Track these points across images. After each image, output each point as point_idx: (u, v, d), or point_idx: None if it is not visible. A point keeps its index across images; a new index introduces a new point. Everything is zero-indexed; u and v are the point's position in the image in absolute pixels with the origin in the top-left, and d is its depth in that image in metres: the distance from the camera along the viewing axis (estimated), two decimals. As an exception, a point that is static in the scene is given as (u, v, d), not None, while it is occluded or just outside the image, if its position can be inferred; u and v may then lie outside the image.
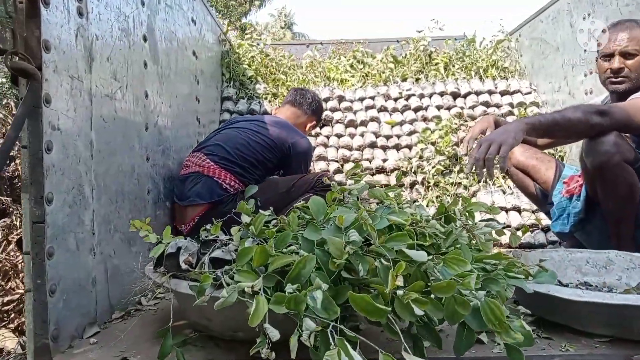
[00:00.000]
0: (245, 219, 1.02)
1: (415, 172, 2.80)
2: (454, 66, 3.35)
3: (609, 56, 1.80)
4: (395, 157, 2.87)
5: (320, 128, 3.04)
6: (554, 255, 1.63)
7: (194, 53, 2.47)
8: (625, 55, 1.76)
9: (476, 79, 3.23)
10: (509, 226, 2.50)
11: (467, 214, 1.06)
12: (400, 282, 0.76)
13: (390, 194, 1.08)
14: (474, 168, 1.44)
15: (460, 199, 1.12)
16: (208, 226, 1.16)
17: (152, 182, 1.78)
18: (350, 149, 2.92)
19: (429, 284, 0.81)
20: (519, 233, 1.45)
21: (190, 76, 2.39)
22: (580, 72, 2.61)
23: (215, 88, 2.92)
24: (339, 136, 2.99)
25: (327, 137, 2.99)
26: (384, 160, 2.86)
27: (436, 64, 3.36)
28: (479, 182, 2.68)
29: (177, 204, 1.95)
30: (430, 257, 0.84)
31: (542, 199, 2.10)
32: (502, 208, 2.61)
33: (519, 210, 2.63)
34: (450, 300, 0.78)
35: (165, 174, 1.93)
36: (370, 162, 2.86)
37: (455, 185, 2.75)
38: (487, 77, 3.27)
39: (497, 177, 2.74)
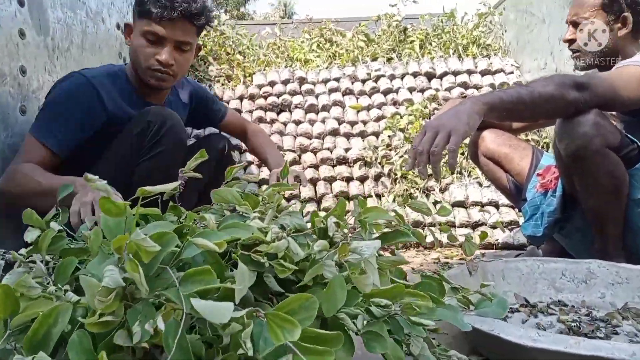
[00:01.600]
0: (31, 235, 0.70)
1: (381, 163, 2.47)
2: (430, 44, 3.00)
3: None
4: (359, 146, 2.54)
5: (278, 114, 2.71)
6: (521, 266, 1.31)
7: (119, 26, 2.14)
8: (575, 24, 1.49)
9: (454, 57, 2.89)
10: (474, 225, 2.19)
11: (362, 225, 0.73)
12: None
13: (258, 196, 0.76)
14: (415, 164, 1.11)
15: (355, 202, 0.79)
16: None
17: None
18: (309, 137, 2.59)
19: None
20: (476, 239, 1.14)
21: (111, 53, 2.06)
22: (568, 46, 2.26)
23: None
24: (297, 123, 2.66)
25: (284, 123, 2.67)
26: (347, 150, 2.53)
27: (411, 41, 3.01)
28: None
29: None
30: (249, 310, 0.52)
31: (515, 194, 1.77)
32: (477, 203, 2.28)
33: (496, 205, 2.31)
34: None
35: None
36: (331, 151, 2.53)
37: (426, 178, 2.42)
38: (468, 55, 2.92)
39: (465, 170, 2.41)
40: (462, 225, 2.22)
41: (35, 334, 0.51)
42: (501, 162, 1.77)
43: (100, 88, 1.31)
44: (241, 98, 2.77)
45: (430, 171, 1.16)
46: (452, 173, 2.42)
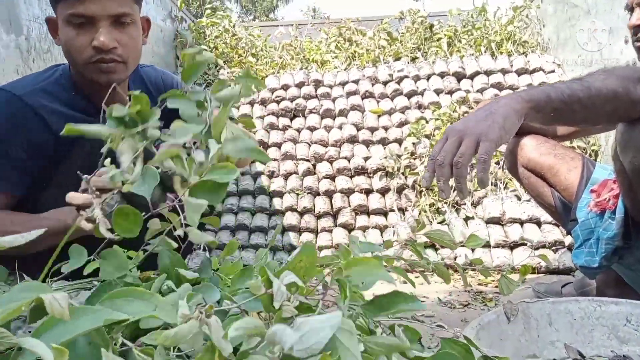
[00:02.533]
0: None
1: (404, 174, 2.22)
2: (460, 41, 2.73)
3: (630, 10, 1.25)
4: (380, 155, 2.29)
5: (291, 120, 2.50)
6: (573, 308, 1.04)
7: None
8: None
9: (487, 55, 2.61)
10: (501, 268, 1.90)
11: (340, 288, 0.49)
12: None
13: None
14: (439, 181, 0.86)
15: (342, 245, 0.56)
16: None
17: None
18: (325, 144, 2.37)
19: None
20: (517, 276, 0.90)
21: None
22: (620, 38, 1.97)
23: (162, 74, 2.42)
24: (312, 129, 2.44)
25: (298, 130, 2.45)
26: (366, 159, 2.29)
27: (438, 39, 2.75)
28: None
29: None
30: None
31: (563, 213, 1.49)
32: (515, 220, 1.99)
33: (538, 222, 2.02)
34: None
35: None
36: (349, 160, 2.30)
37: (454, 189, 2.15)
38: (501, 53, 2.63)
39: (501, 181, 2.13)
40: (497, 246, 1.95)
41: None
42: (545, 175, 1.49)
43: (38, 106, 1.04)
44: (252, 103, 2.57)
45: (454, 187, 0.91)
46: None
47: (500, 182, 2.17)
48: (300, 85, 2.58)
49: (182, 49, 2.63)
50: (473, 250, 1.98)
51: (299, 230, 2.14)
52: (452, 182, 0.89)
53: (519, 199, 2.10)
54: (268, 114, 2.49)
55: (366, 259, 0.50)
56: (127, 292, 0.39)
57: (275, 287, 0.41)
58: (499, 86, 2.46)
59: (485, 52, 2.64)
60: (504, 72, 2.51)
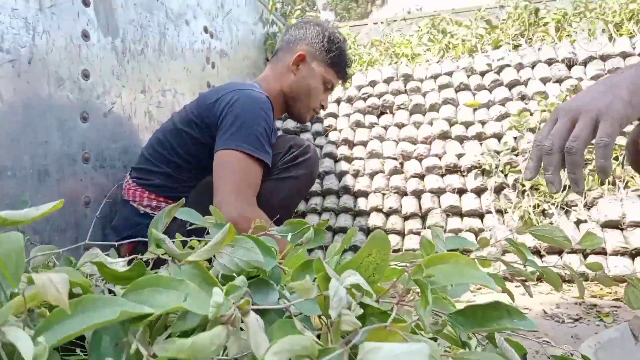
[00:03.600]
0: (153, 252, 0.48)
1: (503, 172, 2.01)
2: (570, 25, 2.43)
3: None
4: (475, 152, 2.10)
5: (378, 117, 2.39)
6: None
7: (207, 30, 2.03)
8: None
9: (604, 37, 2.28)
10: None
11: (421, 292, 0.40)
12: None
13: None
14: (547, 171, 0.71)
15: (424, 237, 0.45)
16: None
17: (96, 189, 1.37)
18: (413, 142, 2.23)
19: None
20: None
21: (197, 57, 1.95)
22: None
23: (251, 76, 2.46)
24: (400, 126, 2.31)
25: (385, 127, 2.34)
26: (459, 156, 2.11)
27: (545, 23, 2.47)
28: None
29: None
30: None
31: None
32: (636, 224, 1.70)
33: (670, 227, 1.70)
34: None
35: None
36: (440, 158, 2.14)
37: (565, 189, 1.90)
38: (621, 35, 2.29)
39: (621, 179, 1.83)
40: (615, 253, 1.67)
41: None
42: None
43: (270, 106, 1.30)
44: (338, 101, 2.51)
45: (566, 179, 0.76)
46: (603, 183, 1.86)
47: (619, 180, 1.87)
48: (388, 81, 2.47)
49: (271, 51, 2.66)
50: (585, 256, 1.72)
51: (385, 232, 2.02)
52: (563, 173, 0.74)
53: (644, 200, 1.79)
54: (354, 112, 2.41)
55: (455, 255, 0.39)
56: (155, 281, 0.33)
57: (331, 290, 0.32)
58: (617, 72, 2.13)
59: (601, 34, 2.31)
60: (625, 55, 2.18)
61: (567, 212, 1.88)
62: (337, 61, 1.50)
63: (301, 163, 1.29)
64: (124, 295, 0.33)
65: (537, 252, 1.79)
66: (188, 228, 0.64)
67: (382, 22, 3.08)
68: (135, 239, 0.61)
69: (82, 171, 1.31)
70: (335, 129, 2.39)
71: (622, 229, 1.73)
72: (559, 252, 1.77)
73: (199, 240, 0.60)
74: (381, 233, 0.40)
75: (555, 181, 0.70)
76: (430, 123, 2.26)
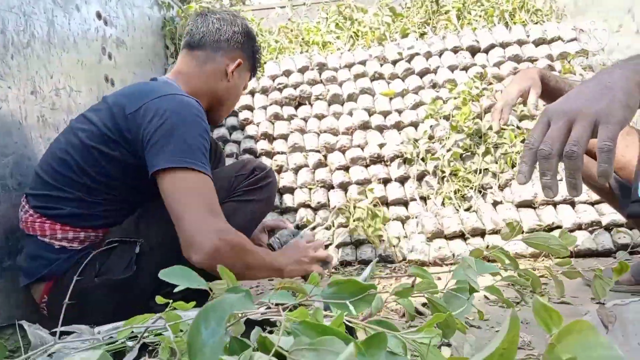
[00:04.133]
0: None
1: (424, 159, 2.06)
2: (469, 13, 2.55)
3: None
4: (396, 140, 2.12)
5: (296, 108, 2.31)
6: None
7: (100, 15, 1.76)
8: None
9: (500, 26, 2.43)
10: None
11: None
12: None
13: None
14: (545, 176, 0.68)
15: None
16: None
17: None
18: (335, 133, 2.19)
19: None
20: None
21: (92, 48, 1.68)
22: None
23: (151, 65, 2.21)
24: (319, 117, 2.25)
25: (305, 119, 2.26)
26: (381, 146, 2.12)
27: (446, 11, 2.56)
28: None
29: None
30: None
31: (619, 195, 1.34)
32: (547, 202, 1.85)
33: (572, 203, 1.88)
34: None
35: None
36: (362, 149, 2.13)
37: (480, 173, 2.00)
38: (515, 23, 2.46)
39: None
40: (531, 231, 1.80)
41: None
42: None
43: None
44: (252, 93, 2.37)
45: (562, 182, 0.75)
46: (514, 165, 1.99)
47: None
48: (303, 70, 2.38)
49: (171, 38, 2.42)
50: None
51: (314, 228, 1.97)
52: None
53: (550, 179, 1.95)
54: (271, 104, 2.30)
55: (580, 323, 0.33)
56: None
57: None
58: (516, 59, 2.29)
59: (498, 23, 2.46)
60: (521, 43, 2.34)
61: (484, 195, 1.99)
62: (257, 64, 1.43)
63: (263, 187, 1.23)
64: None
65: (462, 236, 1.86)
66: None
67: (284, 7, 2.97)
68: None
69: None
70: (252, 123, 2.26)
71: (534, 208, 1.87)
72: (482, 234, 1.86)
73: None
74: (516, 317, 0.32)
75: (553, 186, 0.68)
76: (350, 113, 2.23)
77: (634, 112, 0.67)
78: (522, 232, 1.82)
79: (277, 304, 0.43)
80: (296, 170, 2.10)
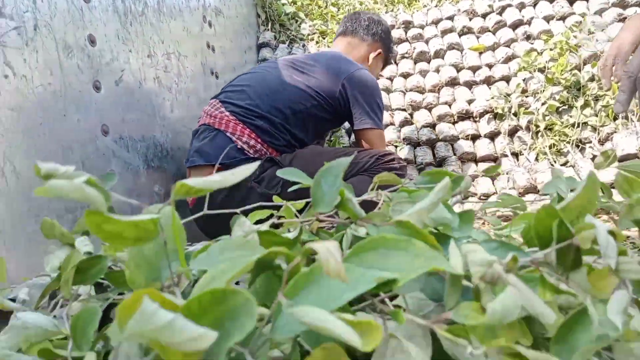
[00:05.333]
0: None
1: (516, 114, 2.00)
2: (568, -42, 2.37)
3: None
4: (486, 96, 2.07)
5: (382, 69, 2.33)
6: None
7: (199, -14, 1.90)
8: None
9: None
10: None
11: None
12: None
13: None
14: (635, 98, 0.69)
15: (617, 180, 0.43)
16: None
17: (119, 161, 1.29)
18: (421, 91, 2.18)
19: None
20: None
21: (194, 16, 1.83)
22: None
23: (245, 34, 2.34)
24: (405, 76, 2.26)
25: (390, 79, 2.28)
26: (470, 102, 2.08)
27: (542, -41, 2.40)
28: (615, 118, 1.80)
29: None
30: None
31: None
32: (657, 155, 1.73)
33: (685, 156, 1.73)
34: None
35: (149, 147, 1.43)
36: (450, 106, 2.11)
37: (578, 127, 1.90)
38: (622, -36, 2.25)
39: (634, 113, 1.84)
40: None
41: None
42: None
43: None
44: (339, 54, 2.43)
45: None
46: (616, 118, 1.87)
47: (632, 114, 1.88)
48: (388, 29, 2.38)
49: (262, 7, 2.53)
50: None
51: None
52: None
53: (659, 131, 1.81)
54: (357, 64, 2.34)
55: None
56: (379, 243, 0.28)
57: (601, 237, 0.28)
58: (622, 4, 2.11)
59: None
60: (627, -14, 2.15)
61: (582, 150, 1.90)
62: (390, 59, 1.84)
63: (388, 170, 1.38)
64: (348, 260, 0.29)
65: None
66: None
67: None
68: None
69: (103, 145, 1.23)
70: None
71: (639, 161, 1.75)
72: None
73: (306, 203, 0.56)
74: (594, 175, 0.36)
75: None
76: (437, 70, 2.21)
77: None
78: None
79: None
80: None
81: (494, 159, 1.99)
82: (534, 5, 2.25)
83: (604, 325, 0.23)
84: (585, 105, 1.90)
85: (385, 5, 2.57)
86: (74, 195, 0.24)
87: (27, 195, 0.96)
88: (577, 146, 1.89)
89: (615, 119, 1.88)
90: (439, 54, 2.25)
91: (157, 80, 1.50)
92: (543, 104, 1.93)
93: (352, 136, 2.12)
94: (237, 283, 0.41)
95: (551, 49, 2.03)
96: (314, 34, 2.54)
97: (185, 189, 0.29)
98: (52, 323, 0.33)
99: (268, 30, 2.54)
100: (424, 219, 0.32)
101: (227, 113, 1.41)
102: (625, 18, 2.06)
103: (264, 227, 0.41)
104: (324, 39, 2.51)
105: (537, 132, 1.94)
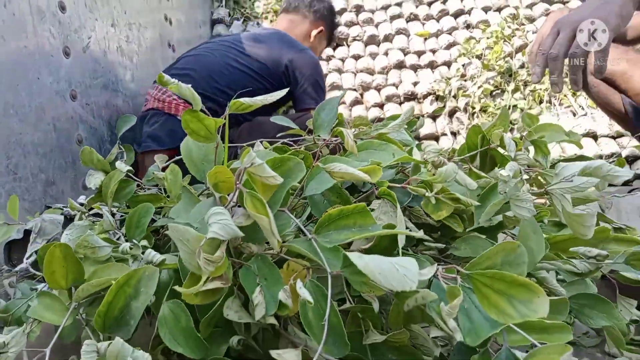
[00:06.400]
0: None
1: (455, 96, 2.19)
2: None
3: None
4: (429, 79, 2.26)
5: (334, 49, 2.46)
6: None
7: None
8: None
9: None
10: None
11: (535, 147, 0.54)
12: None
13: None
14: (553, 75, 0.86)
15: (523, 116, 0.60)
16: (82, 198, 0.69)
17: (86, 126, 1.34)
18: (371, 72, 2.34)
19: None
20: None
21: (153, -11, 1.86)
22: None
23: (199, 8, 2.38)
24: (356, 57, 2.40)
25: (342, 60, 2.41)
26: (415, 84, 2.26)
27: (482, -46, 2.61)
28: (552, 95, 2.04)
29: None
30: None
31: (635, 118, 1.47)
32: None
33: (594, 136, 2.00)
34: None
35: (112, 115, 1.47)
36: (397, 87, 2.27)
37: (509, 109, 2.13)
38: (551, -36, 2.50)
39: (556, 97, 2.09)
40: (554, 163, 1.95)
41: (110, 308, 0.35)
42: (616, 82, 1.45)
43: None
44: (294, 34, 2.52)
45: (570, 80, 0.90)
46: (542, 102, 2.11)
47: (555, 99, 2.13)
48: (340, 12, 2.51)
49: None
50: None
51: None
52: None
53: (574, 114, 2.07)
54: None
55: (551, 125, 0.52)
56: (367, 145, 0.42)
57: (506, 140, 0.43)
58: (549, 0, 2.36)
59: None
60: (555, -16, 2.40)
61: (511, 130, 2.13)
62: (333, 36, 1.89)
63: None
64: (349, 156, 0.42)
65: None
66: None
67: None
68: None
69: (72, 109, 1.27)
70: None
71: (559, 141, 2.01)
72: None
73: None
74: (504, 108, 0.51)
75: (559, 82, 0.85)
76: (386, 53, 2.37)
77: (625, 22, 0.83)
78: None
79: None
80: (335, 106, 2.27)
81: (435, 137, 2.18)
82: (474, -4, 2.46)
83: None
84: (516, 89, 2.13)
85: (338, -11, 2.68)
86: (184, 92, 0.36)
87: (4, 152, 1.01)
88: (508, 126, 2.12)
89: (540, 102, 2.12)
90: (387, 38, 2.41)
91: (119, 50, 1.54)
92: (479, 87, 2.14)
93: None
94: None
95: (488, 38, 2.24)
96: (268, 12, 2.62)
97: (237, 104, 0.41)
98: (108, 220, 0.42)
99: (222, 6, 2.59)
100: (394, 137, 0.46)
101: (176, 97, 1.43)
102: (549, 12, 2.30)
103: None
104: (277, 17, 2.58)
105: (473, 114, 2.15)
